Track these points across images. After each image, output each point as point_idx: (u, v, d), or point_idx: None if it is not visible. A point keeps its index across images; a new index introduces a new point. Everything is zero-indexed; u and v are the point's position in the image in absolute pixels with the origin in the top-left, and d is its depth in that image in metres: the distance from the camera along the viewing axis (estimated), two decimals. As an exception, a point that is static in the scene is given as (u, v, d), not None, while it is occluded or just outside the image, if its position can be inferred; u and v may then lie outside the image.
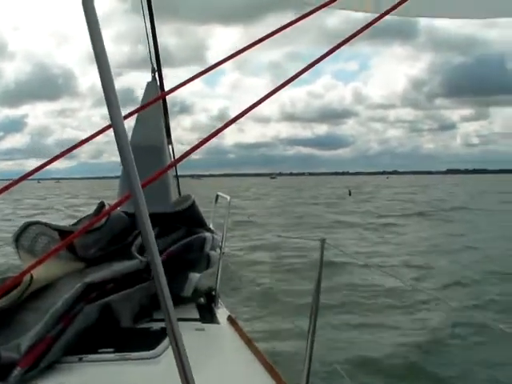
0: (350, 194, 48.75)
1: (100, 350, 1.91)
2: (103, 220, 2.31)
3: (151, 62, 3.09)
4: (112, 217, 2.35)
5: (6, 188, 1.03)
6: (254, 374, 1.87)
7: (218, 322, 2.40)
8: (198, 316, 2.42)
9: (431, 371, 5.15)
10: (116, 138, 0.82)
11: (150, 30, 2.96)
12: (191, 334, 2.15)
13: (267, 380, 1.80)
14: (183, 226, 2.57)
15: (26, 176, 1.06)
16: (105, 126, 1.05)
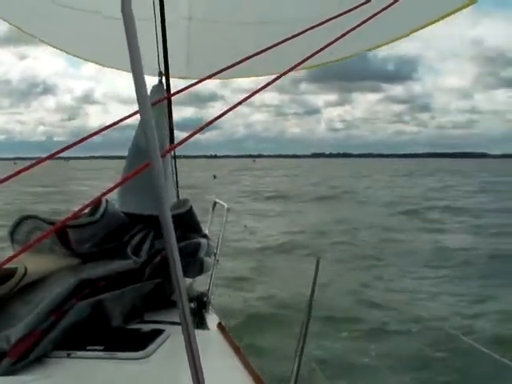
0: (214, 178, 51.04)
1: (89, 347, 1.91)
2: (98, 215, 2.29)
3: (158, 66, 3.10)
4: (108, 212, 2.34)
5: (26, 169, 1.11)
6: (240, 382, 1.85)
7: (207, 328, 2.39)
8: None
9: None
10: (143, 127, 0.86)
11: (160, 34, 2.98)
12: (181, 338, 2.17)
13: None
14: (178, 230, 2.57)
15: (45, 159, 1.14)
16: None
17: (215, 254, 2.80)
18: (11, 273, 2.00)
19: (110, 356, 1.87)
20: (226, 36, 3.24)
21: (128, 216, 2.53)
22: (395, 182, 40.82)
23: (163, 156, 1.02)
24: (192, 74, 3.50)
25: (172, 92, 3.00)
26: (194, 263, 2.57)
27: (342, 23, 1.45)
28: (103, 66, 4.04)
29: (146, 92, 0.87)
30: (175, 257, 0.88)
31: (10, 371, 1.66)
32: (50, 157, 1.21)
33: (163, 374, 1.80)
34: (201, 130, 1.17)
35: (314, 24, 1.48)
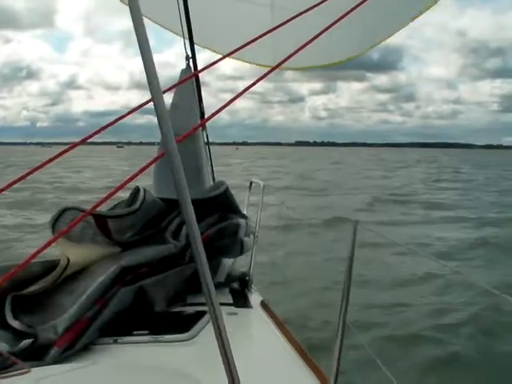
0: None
1: (135, 332, 1.94)
2: (137, 205, 2.32)
3: (185, 50, 3.09)
4: (147, 201, 2.36)
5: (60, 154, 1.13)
6: (287, 358, 1.87)
7: (250, 307, 2.40)
8: (231, 301, 2.43)
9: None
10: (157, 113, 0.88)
11: (184, 20, 2.98)
12: (224, 318, 2.18)
13: (300, 365, 1.80)
14: (217, 211, 2.58)
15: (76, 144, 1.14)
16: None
17: (254, 234, 2.80)
18: (55, 264, 2.04)
19: (156, 340, 1.90)
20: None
21: (165, 202, 2.54)
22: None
23: (185, 138, 1.06)
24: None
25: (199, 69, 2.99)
26: (234, 244, 2.58)
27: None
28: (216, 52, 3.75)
29: (157, 76, 0.87)
30: (198, 242, 0.95)
31: (59, 360, 1.69)
32: (83, 141, 1.24)
33: (208, 354, 1.80)
34: (225, 106, 1.20)
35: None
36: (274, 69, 1.34)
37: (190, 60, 3.07)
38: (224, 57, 1.52)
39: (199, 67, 3.05)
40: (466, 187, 25.19)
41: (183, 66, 3.12)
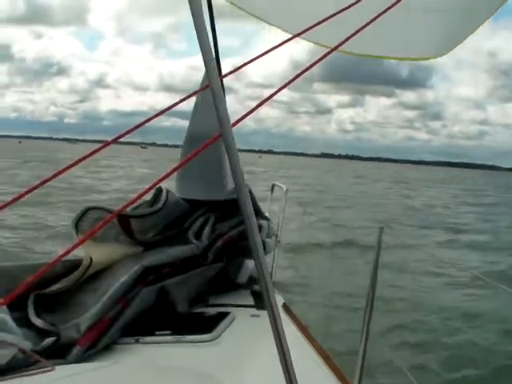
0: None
1: (157, 333, 1.94)
2: (160, 204, 2.31)
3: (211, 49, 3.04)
4: (169, 201, 2.36)
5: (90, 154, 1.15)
6: (310, 361, 1.85)
7: None
8: (253, 302, 2.41)
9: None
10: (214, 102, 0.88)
11: (208, 17, 2.96)
12: (246, 320, 2.16)
13: (323, 368, 1.79)
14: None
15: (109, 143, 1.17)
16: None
17: (276, 236, 2.77)
18: (77, 264, 2.05)
19: (178, 340, 1.89)
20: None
21: (188, 202, 2.55)
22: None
23: (217, 138, 1.04)
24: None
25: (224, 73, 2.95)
26: None
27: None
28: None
29: (216, 66, 0.90)
30: (256, 237, 0.91)
31: (81, 359, 1.69)
32: (114, 141, 1.25)
33: (231, 355, 1.81)
34: (257, 108, 1.17)
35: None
36: (333, 50, 1.28)
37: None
38: (249, 62, 1.50)
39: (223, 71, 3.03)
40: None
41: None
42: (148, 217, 2.29)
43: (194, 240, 2.34)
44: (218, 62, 3.03)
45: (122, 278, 1.97)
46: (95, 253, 2.10)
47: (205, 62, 0.89)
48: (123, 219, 2.19)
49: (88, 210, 2.17)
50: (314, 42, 2.37)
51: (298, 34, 1.32)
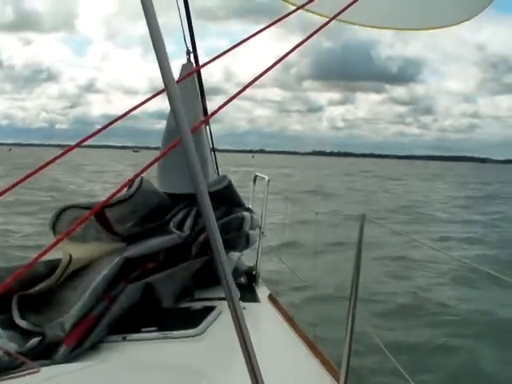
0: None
1: (143, 329, 1.92)
2: (132, 190, 2.27)
3: (186, 45, 3.05)
4: (144, 188, 2.31)
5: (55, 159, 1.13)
6: (296, 351, 1.85)
7: (258, 301, 2.39)
8: (238, 295, 2.39)
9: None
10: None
11: (183, 12, 2.96)
12: None
13: (309, 357, 1.79)
14: (221, 205, 2.54)
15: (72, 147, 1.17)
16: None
17: (260, 227, 2.76)
18: (58, 264, 2.01)
19: (165, 336, 1.88)
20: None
21: (169, 196, 2.52)
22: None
23: (194, 131, 1.01)
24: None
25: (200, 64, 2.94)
26: (240, 237, 2.56)
27: None
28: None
29: (170, 67, 0.86)
30: (215, 232, 0.90)
31: (68, 358, 1.67)
32: (77, 145, 1.21)
33: (218, 349, 1.81)
34: (232, 99, 1.13)
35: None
36: (331, 19, 1.23)
37: (191, 55, 3.05)
38: (227, 51, 1.47)
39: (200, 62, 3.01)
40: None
41: (183, 60, 3.06)
42: (122, 204, 2.22)
43: (176, 231, 2.32)
44: (196, 56, 3.03)
45: (103, 271, 1.95)
46: (75, 251, 2.06)
47: (159, 62, 0.85)
48: (99, 213, 2.14)
49: (64, 209, 2.13)
50: (318, 14, 2.22)
51: (302, 6, 1.29)
